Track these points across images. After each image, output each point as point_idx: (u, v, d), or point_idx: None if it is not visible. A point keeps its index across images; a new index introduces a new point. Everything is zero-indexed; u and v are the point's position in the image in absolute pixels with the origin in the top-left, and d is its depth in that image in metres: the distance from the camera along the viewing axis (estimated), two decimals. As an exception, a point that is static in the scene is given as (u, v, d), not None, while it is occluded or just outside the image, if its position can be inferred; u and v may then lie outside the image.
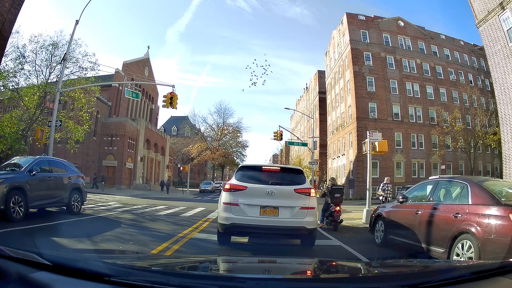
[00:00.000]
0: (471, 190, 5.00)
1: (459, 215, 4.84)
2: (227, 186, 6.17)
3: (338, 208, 9.68)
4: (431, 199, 5.96)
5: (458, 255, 4.66)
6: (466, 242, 4.56)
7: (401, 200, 6.75)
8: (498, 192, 4.93)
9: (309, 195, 6.04)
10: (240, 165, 7.17)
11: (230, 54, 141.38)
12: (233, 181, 6.17)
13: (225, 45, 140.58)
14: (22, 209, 8.04)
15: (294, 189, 5.98)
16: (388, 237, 6.92)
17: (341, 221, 9.96)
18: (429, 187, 6.27)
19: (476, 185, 5.10)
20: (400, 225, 6.52)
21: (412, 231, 5.97)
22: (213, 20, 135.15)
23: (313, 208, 6.05)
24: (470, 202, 4.89)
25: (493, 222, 4.32)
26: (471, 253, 4.41)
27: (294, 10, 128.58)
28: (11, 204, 7.72)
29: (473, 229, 4.48)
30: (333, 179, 11.60)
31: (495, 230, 4.25)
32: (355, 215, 14.02)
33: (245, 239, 7.06)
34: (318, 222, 8.49)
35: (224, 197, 6.03)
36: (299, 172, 6.67)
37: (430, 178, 6.89)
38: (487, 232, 4.30)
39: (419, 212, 5.90)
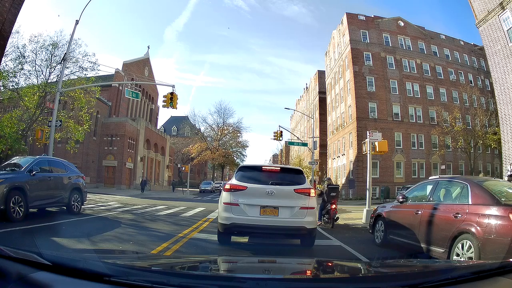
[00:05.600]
0: (471, 190, 5.00)
1: (459, 215, 4.83)
2: (227, 186, 6.18)
3: (334, 206, 10.30)
4: (431, 199, 5.96)
5: (458, 255, 4.65)
6: (466, 242, 4.56)
7: (401, 200, 6.75)
8: (498, 192, 4.93)
9: (309, 195, 6.06)
10: (240, 165, 7.18)
11: (229, 54, 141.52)
12: (233, 181, 6.19)
13: (223, 44, 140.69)
14: (22, 209, 8.04)
15: (294, 189, 5.99)
16: (388, 237, 6.92)
17: (337, 218, 10.63)
18: (429, 187, 6.27)
19: (476, 185, 5.10)
20: (400, 225, 6.52)
21: (412, 231, 5.97)
22: (211, 19, 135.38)
23: (313, 208, 6.07)
24: (470, 202, 4.89)
25: (493, 222, 4.32)
26: (471, 253, 4.41)
27: (292, 9, 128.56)
28: (11, 204, 7.72)
29: (473, 229, 4.48)
30: (329, 179, 11.86)
31: (495, 230, 4.25)
32: (355, 215, 14.03)
33: (245, 239, 7.07)
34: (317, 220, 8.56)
35: (224, 197, 6.04)
36: (298, 172, 6.69)
37: (430, 178, 6.90)
38: (487, 232, 4.30)
39: (419, 212, 5.90)
